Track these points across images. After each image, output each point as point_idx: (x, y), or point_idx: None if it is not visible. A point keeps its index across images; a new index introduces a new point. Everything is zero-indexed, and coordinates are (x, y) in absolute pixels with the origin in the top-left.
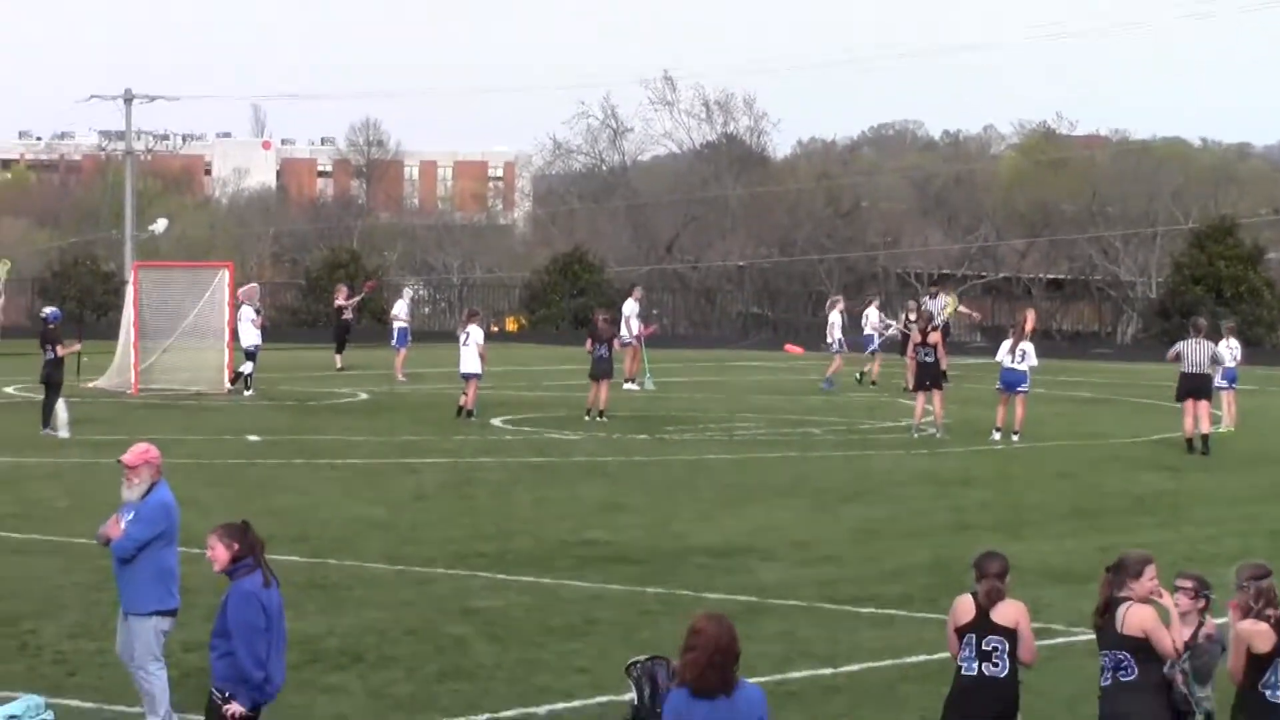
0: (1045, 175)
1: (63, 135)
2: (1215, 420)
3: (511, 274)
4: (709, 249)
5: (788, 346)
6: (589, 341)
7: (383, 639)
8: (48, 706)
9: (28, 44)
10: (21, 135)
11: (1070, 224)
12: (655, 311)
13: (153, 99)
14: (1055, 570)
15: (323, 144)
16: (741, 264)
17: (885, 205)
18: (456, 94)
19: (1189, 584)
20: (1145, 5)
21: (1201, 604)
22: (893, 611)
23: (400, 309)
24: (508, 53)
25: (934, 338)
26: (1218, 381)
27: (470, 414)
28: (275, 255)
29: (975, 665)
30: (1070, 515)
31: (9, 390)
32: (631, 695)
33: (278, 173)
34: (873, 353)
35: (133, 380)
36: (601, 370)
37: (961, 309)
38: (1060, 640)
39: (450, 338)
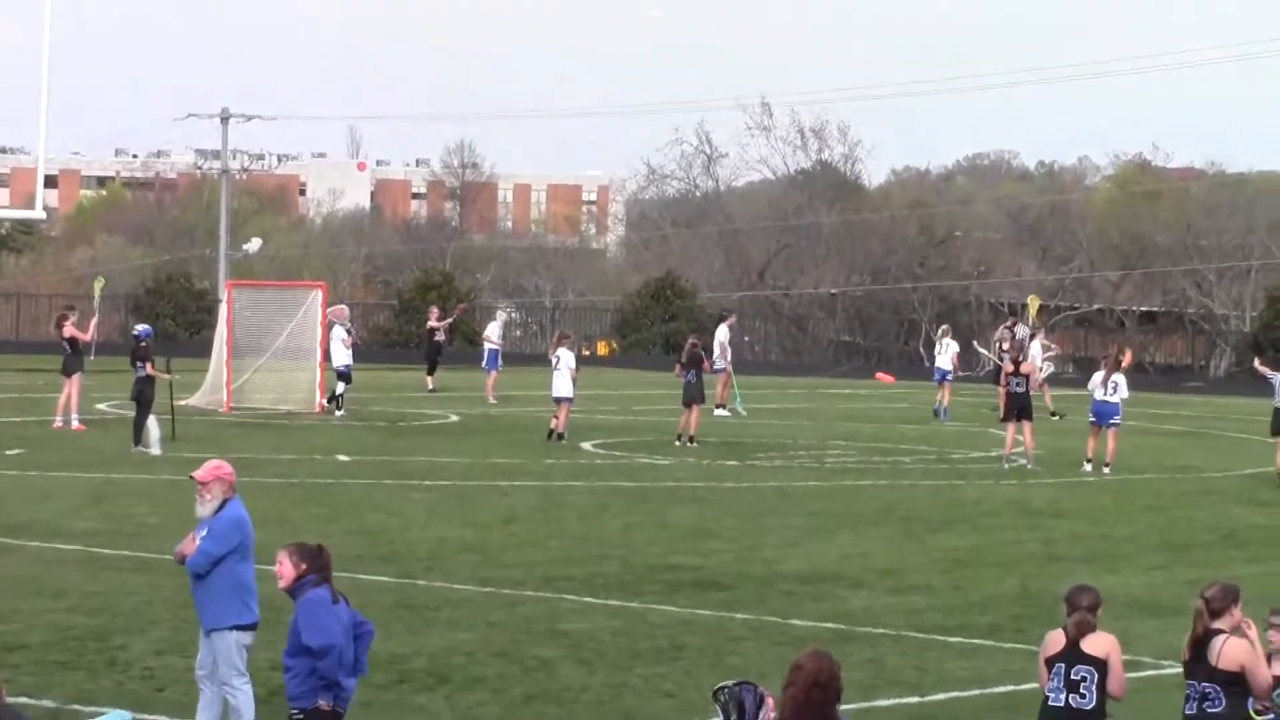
0: (1140, 207)
1: (159, 154)
2: None
3: (603, 298)
4: (801, 276)
5: (879, 375)
6: (678, 366)
7: (470, 660)
8: None
9: (125, 62)
10: (118, 153)
11: (1165, 256)
12: (747, 339)
13: (249, 118)
14: (1144, 603)
15: (417, 165)
16: (834, 291)
17: (979, 235)
18: (551, 118)
19: None
20: (1240, 37)
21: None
22: (980, 641)
23: (493, 331)
24: (602, 77)
25: (1026, 367)
26: None
27: (561, 437)
28: (368, 276)
29: (1063, 696)
30: (1160, 548)
31: (101, 407)
32: None
33: (372, 193)
34: (942, 382)
35: (225, 399)
36: (692, 395)
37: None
38: (1149, 673)
39: (541, 361)
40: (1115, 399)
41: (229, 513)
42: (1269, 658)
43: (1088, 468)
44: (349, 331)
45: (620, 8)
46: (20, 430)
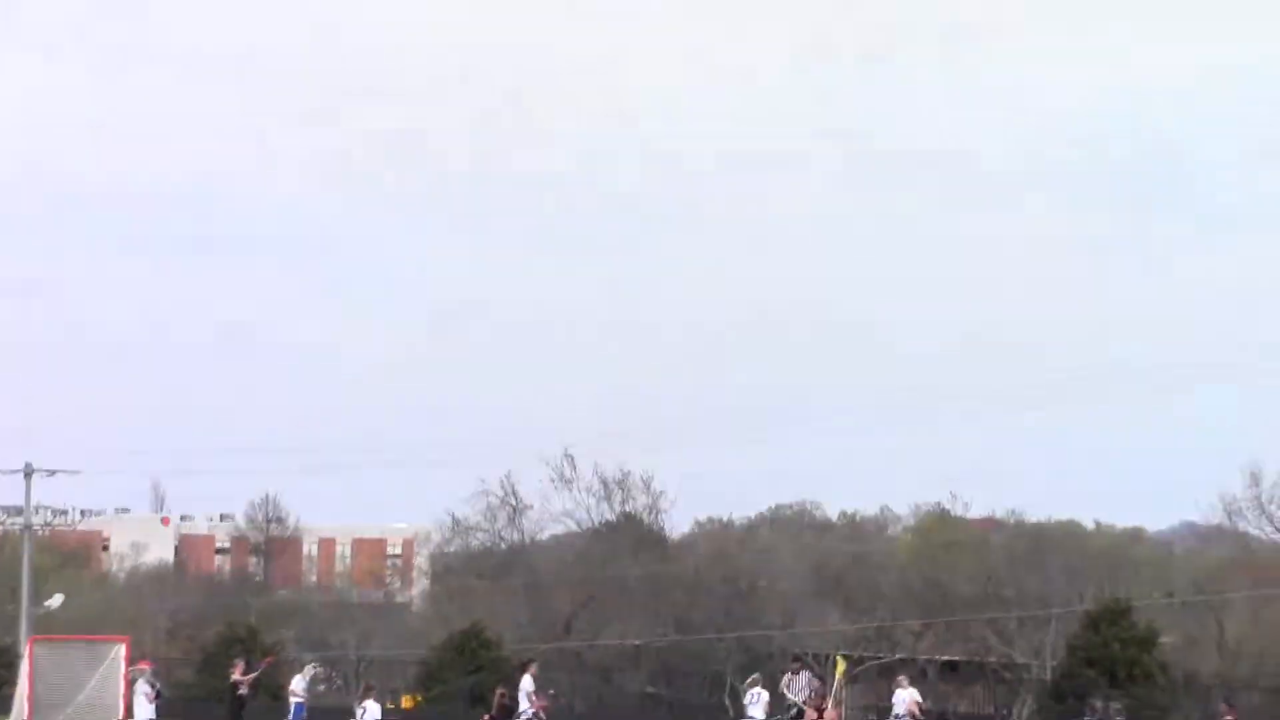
0: (941, 556)
1: None
2: None
3: (408, 651)
4: (606, 627)
5: None
6: (487, 718)
7: None
8: None
9: None
10: None
11: (966, 605)
12: (552, 691)
13: (53, 473)
14: None
15: (221, 520)
16: (638, 643)
17: (783, 585)
18: (355, 469)
19: None
20: (1036, 391)
21: None
22: None
23: (298, 684)
24: (407, 428)
25: (830, 715)
26: None
27: None
28: (171, 632)
29: None
30: None
31: None
32: None
33: (176, 548)
34: None
35: None
36: None
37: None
38: None
39: (345, 714)
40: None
41: None
42: None
43: None
44: (152, 686)
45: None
46: None
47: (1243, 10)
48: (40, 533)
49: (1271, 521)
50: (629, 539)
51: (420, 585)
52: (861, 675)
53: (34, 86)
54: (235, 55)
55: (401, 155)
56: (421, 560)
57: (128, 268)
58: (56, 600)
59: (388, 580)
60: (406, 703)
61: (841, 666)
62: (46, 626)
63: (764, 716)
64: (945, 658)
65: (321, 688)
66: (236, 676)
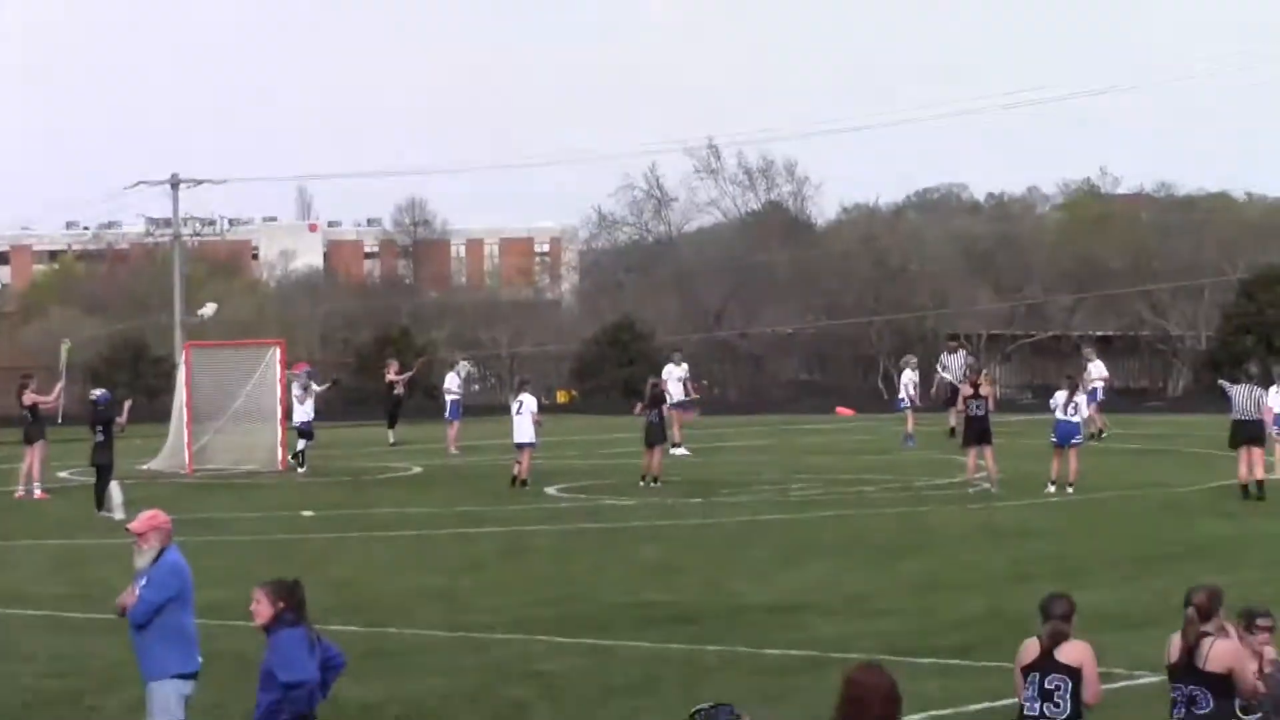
0: (1090, 232)
1: (109, 224)
2: (1269, 467)
3: (560, 347)
4: (757, 316)
5: (839, 409)
6: (638, 406)
7: (444, 704)
8: None
9: (71, 134)
10: (69, 226)
11: (1117, 280)
12: (704, 381)
13: (199, 183)
14: (1114, 616)
15: (369, 225)
16: (789, 330)
17: (932, 268)
18: (500, 170)
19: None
20: (1183, 60)
21: (1264, 638)
22: (953, 661)
23: (452, 382)
24: (551, 126)
25: (985, 389)
26: (1269, 429)
27: (524, 483)
28: (324, 336)
29: (1037, 705)
30: (1128, 562)
31: (62, 474)
32: None
33: (325, 255)
34: (904, 411)
35: (187, 461)
36: (654, 436)
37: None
38: (1122, 684)
39: (501, 412)
40: (1076, 419)
41: (166, 560)
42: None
43: (1051, 489)
44: (305, 388)
45: (564, 53)
46: None
47: None
48: (189, 243)
49: None
50: (776, 227)
51: (569, 282)
52: (1015, 354)
53: None
54: None
55: None
56: (569, 257)
57: None
58: (210, 309)
59: (536, 278)
60: (561, 397)
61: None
62: (200, 335)
63: (916, 395)
64: (1099, 333)
65: (476, 386)
66: (391, 376)
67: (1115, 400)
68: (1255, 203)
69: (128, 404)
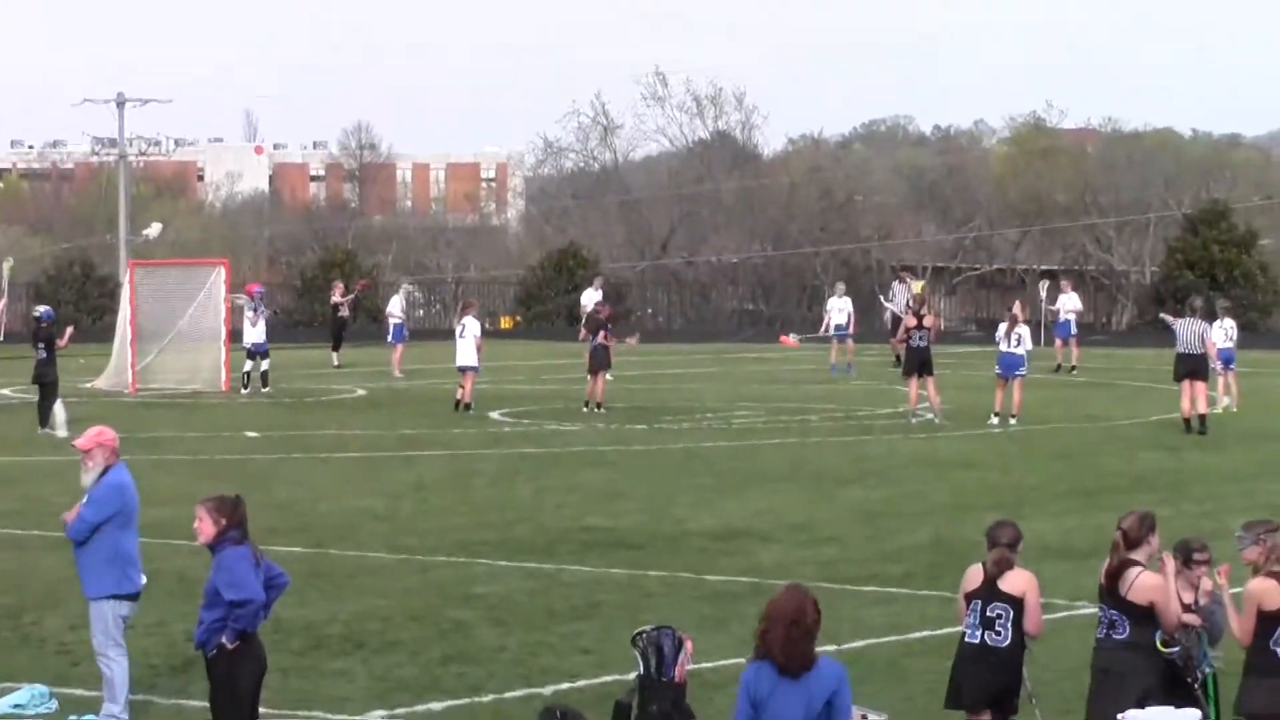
0: (1036, 166)
1: (55, 143)
2: (1211, 401)
3: (506, 272)
4: (703, 245)
5: (783, 338)
6: (583, 331)
7: (386, 625)
8: (52, 695)
9: (17, 52)
10: (14, 145)
11: (1063, 214)
12: (649, 310)
13: (145, 102)
14: (1055, 547)
15: (315, 148)
16: (734, 259)
17: (878, 199)
18: (448, 95)
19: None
20: None
21: (1201, 570)
22: (895, 590)
23: (396, 305)
24: (498, 53)
25: (929, 320)
26: (1212, 364)
27: (468, 407)
28: (269, 258)
29: (979, 633)
30: (1070, 494)
31: (5, 392)
32: (638, 668)
33: (270, 177)
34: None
35: (131, 380)
36: (599, 362)
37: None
38: (1062, 615)
39: (445, 336)
40: (1020, 351)
41: (110, 479)
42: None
43: (995, 420)
44: (257, 309)
45: None
46: None
47: None
48: (135, 163)
49: None
50: (723, 156)
51: (515, 208)
52: (960, 286)
53: None
54: None
55: None
56: (516, 183)
57: None
58: (154, 229)
59: (482, 204)
60: (506, 323)
61: (919, 287)
62: (146, 255)
63: (846, 324)
64: (1043, 266)
65: (420, 311)
66: (336, 298)
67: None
68: (1200, 139)
69: (69, 329)
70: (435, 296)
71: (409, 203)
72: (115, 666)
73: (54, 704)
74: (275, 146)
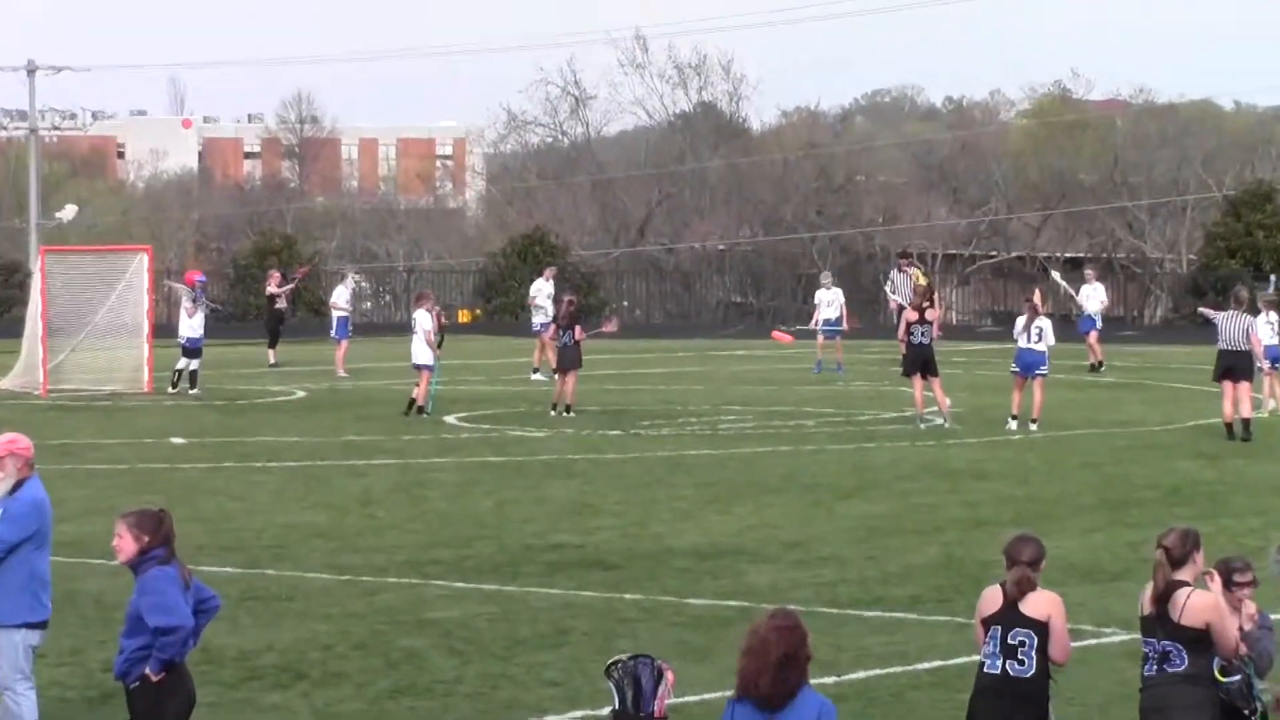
0: (1060, 142)
1: None
2: (1256, 403)
3: (464, 260)
4: (685, 230)
5: (775, 334)
6: (553, 329)
7: (329, 654)
8: None
9: None
10: None
11: (1089, 195)
12: (625, 303)
13: (58, 70)
14: (1082, 567)
15: (250, 121)
16: (721, 246)
17: (882, 178)
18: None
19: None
20: None
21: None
22: (901, 615)
23: (340, 296)
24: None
25: (932, 314)
26: (1258, 362)
27: (422, 410)
28: (198, 245)
29: (999, 662)
30: (1097, 508)
31: None
32: (613, 703)
33: (200, 154)
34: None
35: (41, 380)
36: (568, 360)
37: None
38: (1090, 642)
39: (396, 331)
40: (1041, 347)
41: (26, 495)
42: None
43: (1013, 425)
44: (196, 300)
45: None
46: None
47: None
48: (48, 139)
49: None
50: (708, 130)
51: (474, 189)
52: (973, 275)
53: None
54: None
55: None
56: (475, 161)
57: None
58: (69, 211)
59: (437, 184)
60: (464, 316)
61: (921, 276)
62: (59, 240)
63: (837, 319)
64: (1067, 254)
65: (368, 303)
66: (272, 289)
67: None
68: (1243, 112)
69: None
70: (385, 287)
71: (355, 182)
72: (23, 701)
73: None
74: (205, 120)
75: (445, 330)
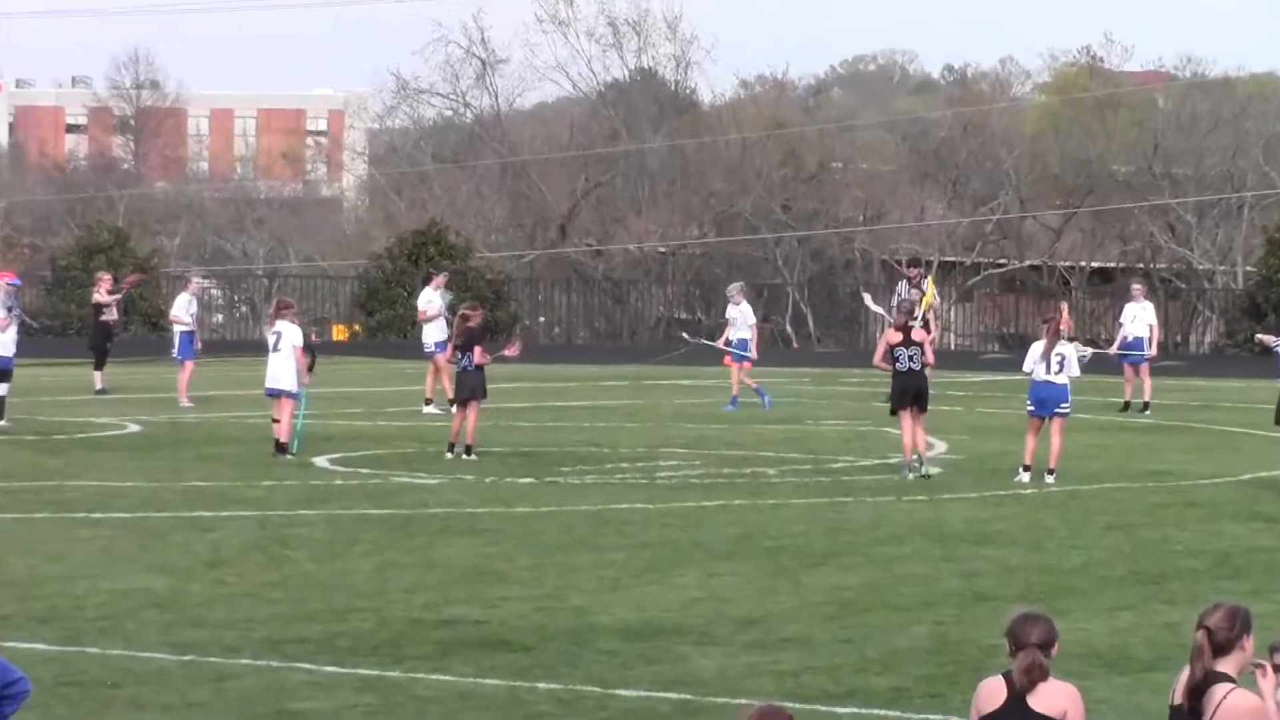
0: (1087, 124)
1: None
2: None
3: (340, 263)
4: (618, 228)
5: (728, 360)
6: (450, 350)
7: None
8: None
9: None
10: None
11: (1123, 191)
12: (542, 319)
13: None
14: (1106, 655)
15: (74, 86)
16: (663, 249)
17: (864, 166)
18: (262, 15)
19: None
20: None
21: None
22: (881, 711)
23: (183, 307)
24: None
25: (919, 335)
26: None
27: (284, 449)
28: (6, 240)
29: None
30: (1127, 582)
31: None
32: None
33: (10, 125)
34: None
35: None
36: (469, 389)
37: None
38: None
39: (252, 349)
40: (1062, 380)
41: None
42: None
43: (1024, 476)
44: (9, 309)
45: None
46: None
47: None
48: None
49: None
50: (647, 104)
51: (354, 173)
52: (977, 289)
53: None
54: None
55: None
56: (355, 139)
57: None
58: None
59: (308, 167)
60: (340, 333)
61: (930, 295)
62: None
63: (749, 335)
64: (1095, 263)
65: (219, 316)
66: (100, 297)
67: (1116, 357)
68: None
69: None
70: (240, 295)
71: (205, 164)
72: None
73: None
74: (18, 84)
75: (316, 351)
